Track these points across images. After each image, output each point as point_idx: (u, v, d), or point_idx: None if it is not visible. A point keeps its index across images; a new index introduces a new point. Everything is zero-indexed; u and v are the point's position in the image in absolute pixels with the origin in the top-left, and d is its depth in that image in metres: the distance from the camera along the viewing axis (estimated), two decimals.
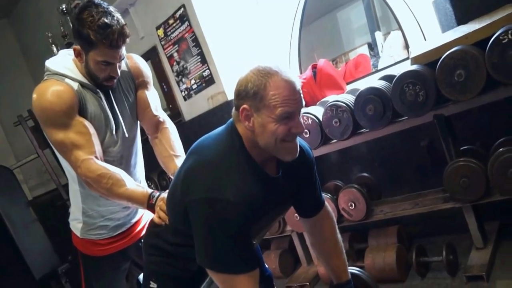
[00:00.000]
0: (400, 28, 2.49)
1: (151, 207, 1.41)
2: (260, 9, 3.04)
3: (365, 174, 2.37)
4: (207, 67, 2.92)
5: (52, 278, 3.42)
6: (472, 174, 1.76)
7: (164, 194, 1.39)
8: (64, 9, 3.54)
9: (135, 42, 3.14)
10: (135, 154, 1.65)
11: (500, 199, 1.76)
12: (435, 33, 2.31)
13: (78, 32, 1.39)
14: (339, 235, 1.42)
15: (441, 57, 1.68)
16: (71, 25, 1.46)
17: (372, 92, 1.86)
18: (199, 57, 2.93)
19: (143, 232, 1.72)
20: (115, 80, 1.50)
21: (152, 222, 1.38)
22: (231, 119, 1.20)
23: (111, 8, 1.40)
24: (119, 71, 1.47)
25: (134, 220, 1.70)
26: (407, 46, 2.50)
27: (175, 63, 3.10)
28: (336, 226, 1.42)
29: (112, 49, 1.38)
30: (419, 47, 1.99)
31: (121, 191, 1.42)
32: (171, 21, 2.99)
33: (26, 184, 4.06)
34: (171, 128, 1.68)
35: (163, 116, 1.69)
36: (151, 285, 1.33)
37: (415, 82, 1.71)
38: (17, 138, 4.03)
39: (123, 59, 1.46)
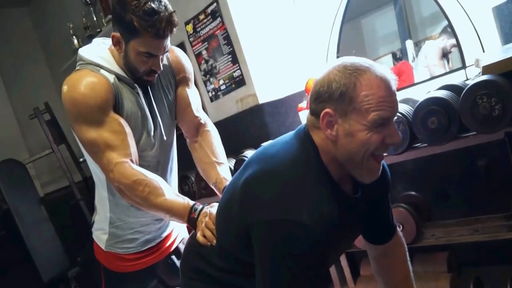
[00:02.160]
0: (455, 35, 2.28)
1: (192, 222, 1.22)
2: (298, 8, 2.85)
3: (412, 193, 2.16)
4: (238, 67, 2.73)
5: (61, 282, 3.25)
6: None
7: (209, 208, 1.20)
8: None
9: None
10: (171, 159, 1.47)
11: None
12: (492, 42, 2.11)
13: (119, 17, 1.21)
14: (410, 265, 1.22)
15: None
16: (111, 7, 1.27)
17: (436, 102, 1.65)
18: (230, 56, 2.74)
19: (173, 247, 1.55)
20: (156, 75, 1.32)
21: (193, 240, 1.19)
22: (302, 126, 1.00)
23: None
24: (161, 65, 1.29)
25: (164, 234, 1.52)
26: (461, 57, 2.29)
27: (203, 62, 2.92)
28: (408, 255, 1.22)
29: (158, 39, 1.21)
30: (484, 56, 1.79)
31: (158, 201, 1.23)
32: (201, 17, 2.81)
33: (38, 180, 3.89)
34: (213, 132, 1.50)
35: (204, 118, 1.51)
36: None
37: (490, 93, 1.50)
38: (31, 131, 3.86)
39: (167, 51, 1.28)
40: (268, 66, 2.72)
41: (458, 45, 2.27)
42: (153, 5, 1.17)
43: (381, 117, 0.87)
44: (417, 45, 3.07)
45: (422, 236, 1.95)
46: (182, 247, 1.60)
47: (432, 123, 1.67)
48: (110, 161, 1.24)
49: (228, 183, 1.37)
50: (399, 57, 3.23)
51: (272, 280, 0.90)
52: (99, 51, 1.32)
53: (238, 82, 2.76)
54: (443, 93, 1.70)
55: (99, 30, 3.45)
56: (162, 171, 1.41)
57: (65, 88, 1.25)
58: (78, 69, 1.29)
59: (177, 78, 1.44)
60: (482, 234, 1.80)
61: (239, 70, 2.73)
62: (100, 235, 1.47)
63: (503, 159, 1.72)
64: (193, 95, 1.49)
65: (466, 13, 2.18)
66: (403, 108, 1.81)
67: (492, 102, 1.51)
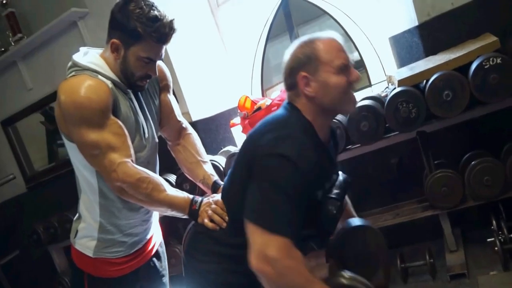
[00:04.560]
0: (361, 59, 2.75)
1: (193, 213, 1.34)
2: (223, 36, 3.10)
3: None
4: None
5: None
6: (452, 184, 2.00)
7: (211, 198, 1.33)
8: None
9: None
10: (157, 160, 1.55)
11: (471, 205, 2.04)
12: (390, 66, 2.62)
13: (121, 25, 1.30)
14: None
15: (427, 80, 1.93)
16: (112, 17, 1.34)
17: (367, 109, 2.02)
18: None
19: (154, 250, 1.60)
20: (148, 81, 1.42)
21: (200, 228, 1.31)
22: (285, 102, 1.24)
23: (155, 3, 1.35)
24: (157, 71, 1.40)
25: (148, 236, 1.57)
26: (367, 77, 2.76)
27: None
28: None
29: (159, 44, 1.33)
30: (394, 74, 2.24)
31: (161, 196, 1.33)
32: None
33: None
34: (194, 134, 1.65)
35: (185, 122, 1.63)
36: None
37: (408, 100, 1.92)
38: None
39: (163, 58, 1.40)
40: (199, 86, 2.89)
41: (364, 68, 2.75)
42: (156, 13, 1.29)
43: (343, 63, 1.13)
44: None
45: None
46: (161, 250, 1.66)
47: (364, 126, 2.04)
48: (113, 162, 1.28)
49: (215, 178, 1.51)
50: None
51: (257, 200, 1.07)
52: (92, 58, 1.36)
53: None
54: (369, 102, 2.09)
55: (3, 49, 3.24)
56: (151, 171, 1.47)
57: (65, 92, 1.27)
58: (74, 75, 1.32)
59: (161, 85, 1.54)
60: (402, 216, 2.21)
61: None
62: (87, 243, 1.44)
63: (415, 154, 2.16)
64: (174, 102, 1.60)
65: (370, 42, 2.68)
66: (337, 116, 2.15)
67: (410, 107, 1.93)
